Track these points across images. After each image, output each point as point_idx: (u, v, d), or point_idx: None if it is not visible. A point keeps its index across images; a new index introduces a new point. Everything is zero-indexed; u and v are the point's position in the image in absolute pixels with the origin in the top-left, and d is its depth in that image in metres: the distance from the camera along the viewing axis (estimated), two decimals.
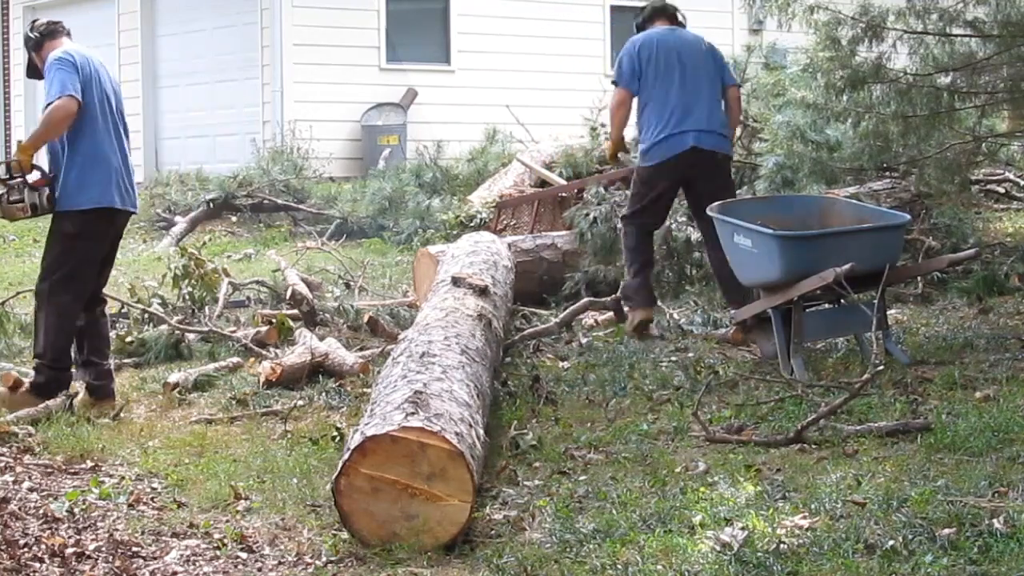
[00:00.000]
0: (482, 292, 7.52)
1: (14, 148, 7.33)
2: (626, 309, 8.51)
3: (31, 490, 5.75)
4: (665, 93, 8.25)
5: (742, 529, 4.74)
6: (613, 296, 8.85)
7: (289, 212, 14.13)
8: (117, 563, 4.80)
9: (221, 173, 14.92)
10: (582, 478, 5.67)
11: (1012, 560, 4.35)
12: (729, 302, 8.19)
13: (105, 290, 9.70)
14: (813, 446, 5.85)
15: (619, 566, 4.59)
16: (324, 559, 4.89)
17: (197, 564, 4.88)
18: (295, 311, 8.87)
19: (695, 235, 9.52)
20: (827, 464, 5.56)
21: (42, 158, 7.23)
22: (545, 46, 17.76)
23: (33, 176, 6.99)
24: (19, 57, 20.33)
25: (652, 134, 8.22)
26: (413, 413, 5.11)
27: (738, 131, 11.76)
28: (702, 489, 5.33)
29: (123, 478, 5.99)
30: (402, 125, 16.55)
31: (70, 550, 4.90)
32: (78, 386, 7.25)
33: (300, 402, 7.13)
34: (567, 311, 8.81)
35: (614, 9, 18.52)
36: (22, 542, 4.91)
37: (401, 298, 9.75)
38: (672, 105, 8.21)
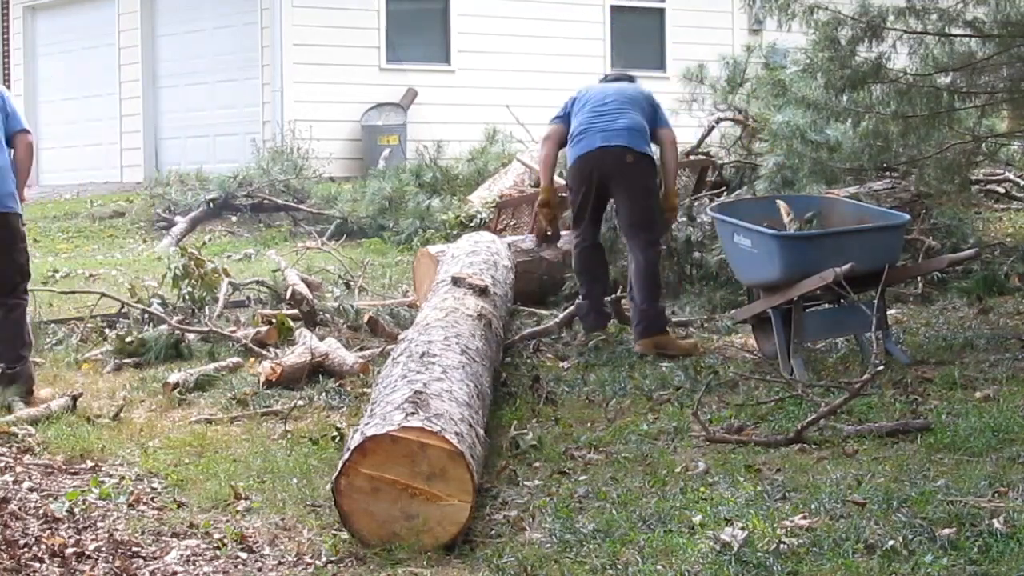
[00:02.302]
0: (482, 292, 7.52)
1: None
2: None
3: (31, 490, 5.75)
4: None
5: (742, 529, 4.74)
6: (613, 296, 8.85)
7: (289, 212, 14.13)
8: (117, 563, 4.80)
9: (221, 173, 14.91)
10: (582, 478, 5.67)
11: (1012, 560, 4.35)
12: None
13: (105, 289, 9.77)
14: (813, 446, 5.85)
15: (619, 566, 4.59)
16: (324, 559, 4.89)
17: (197, 564, 4.88)
18: (295, 311, 8.87)
19: (695, 235, 9.53)
20: (827, 464, 5.56)
21: None
22: (545, 46, 17.76)
23: None
24: (19, 57, 20.34)
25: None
26: (413, 413, 5.11)
27: (738, 131, 11.80)
28: (702, 489, 5.33)
29: (123, 478, 5.99)
30: (402, 125, 16.55)
31: (70, 550, 4.90)
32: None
33: (300, 402, 7.13)
34: (567, 311, 8.80)
35: (614, 9, 18.54)
36: (22, 542, 4.91)
37: (401, 298, 9.75)
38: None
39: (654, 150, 8.28)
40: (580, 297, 8.42)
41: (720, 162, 11.43)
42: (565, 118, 8.40)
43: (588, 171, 8.19)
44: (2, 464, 6.13)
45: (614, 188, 8.15)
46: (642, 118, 8.20)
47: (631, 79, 8.79)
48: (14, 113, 7.46)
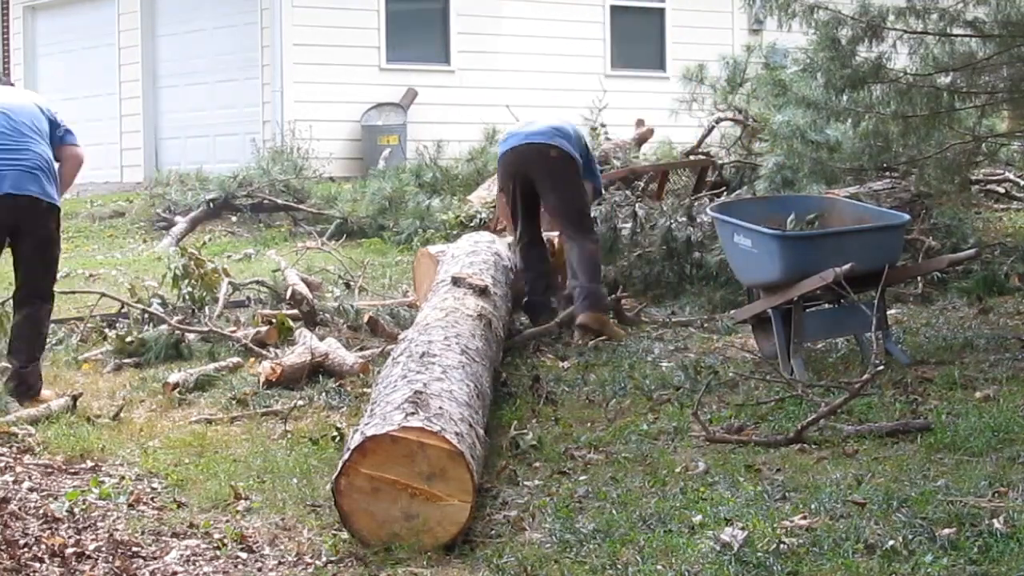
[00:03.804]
0: (482, 292, 7.52)
1: None
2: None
3: (31, 490, 5.75)
4: None
5: (742, 529, 4.74)
6: (613, 296, 8.86)
7: (289, 212, 14.12)
8: (117, 563, 4.81)
9: (221, 173, 14.91)
10: (582, 478, 5.67)
11: (1012, 560, 4.35)
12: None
13: (105, 289, 9.77)
14: (813, 446, 5.85)
15: (619, 566, 4.59)
16: (324, 559, 4.89)
17: (197, 564, 4.89)
18: (295, 311, 8.87)
19: (695, 235, 9.52)
20: (827, 464, 5.56)
21: None
22: (545, 46, 17.76)
23: None
24: (19, 57, 20.34)
25: None
26: (413, 413, 5.11)
27: (738, 131, 11.80)
28: (702, 489, 5.33)
29: (123, 478, 5.99)
30: (402, 125, 16.55)
31: (70, 550, 4.90)
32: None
33: (300, 402, 7.13)
34: (567, 311, 8.80)
35: (614, 9, 18.54)
36: (22, 542, 4.91)
37: (401, 298, 9.75)
38: None
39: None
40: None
41: (720, 162, 11.43)
42: None
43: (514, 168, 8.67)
44: (2, 464, 6.13)
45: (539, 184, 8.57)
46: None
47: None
48: (63, 126, 7.57)
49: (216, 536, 5.15)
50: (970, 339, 7.61)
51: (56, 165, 7.46)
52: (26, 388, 7.25)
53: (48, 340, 8.68)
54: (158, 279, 9.61)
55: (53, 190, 7.33)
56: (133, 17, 18.42)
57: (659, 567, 4.55)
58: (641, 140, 13.86)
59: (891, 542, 4.54)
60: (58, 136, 7.51)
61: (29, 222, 7.25)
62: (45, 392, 7.34)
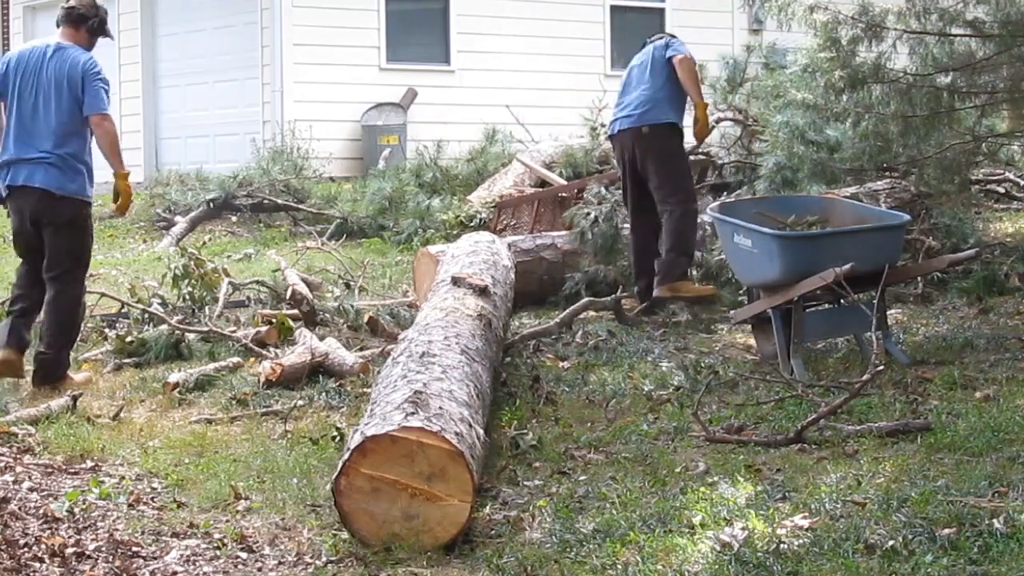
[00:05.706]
0: (482, 292, 7.52)
1: None
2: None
3: (31, 490, 5.76)
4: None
5: (742, 529, 4.74)
6: (613, 296, 8.86)
7: (289, 212, 14.12)
8: (117, 563, 4.81)
9: (221, 173, 14.90)
10: (582, 478, 5.67)
11: (1012, 560, 4.35)
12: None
13: (105, 289, 9.78)
14: (813, 446, 5.85)
15: (619, 566, 4.59)
16: (324, 559, 4.89)
17: (197, 564, 4.89)
18: (295, 311, 8.87)
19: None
20: (827, 464, 5.56)
21: None
22: (545, 46, 17.75)
23: None
24: None
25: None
26: (413, 413, 5.11)
27: (738, 131, 11.79)
28: (702, 489, 5.33)
29: (123, 478, 5.99)
30: (402, 125, 16.55)
31: (70, 550, 4.90)
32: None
33: (300, 402, 7.13)
34: (567, 311, 8.80)
35: (614, 9, 18.53)
36: (22, 542, 4.91)
37: (401, 298, 9.75)
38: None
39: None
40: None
41: (720, 162, 11.42)
42: None
43: (619, 153, 9.06)
44: (2, 464, 6.13)
45: (640, 164, 8.87)
46: (655, 78, 8.87)
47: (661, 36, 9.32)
48: (94, 93, 7.53)
49: (216, 536, 5.16)
50: (970, 339, 7.61)
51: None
52: (43, 375, 7.30)
53: None
54: (158, 279, 9.61)
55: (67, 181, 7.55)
56: (133, 17, 18.41)
57: (659, 567, 4.55)
58: None
59: (891, 542, 4.54)
60: None
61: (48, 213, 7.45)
62: (77, 377, 7.41)
